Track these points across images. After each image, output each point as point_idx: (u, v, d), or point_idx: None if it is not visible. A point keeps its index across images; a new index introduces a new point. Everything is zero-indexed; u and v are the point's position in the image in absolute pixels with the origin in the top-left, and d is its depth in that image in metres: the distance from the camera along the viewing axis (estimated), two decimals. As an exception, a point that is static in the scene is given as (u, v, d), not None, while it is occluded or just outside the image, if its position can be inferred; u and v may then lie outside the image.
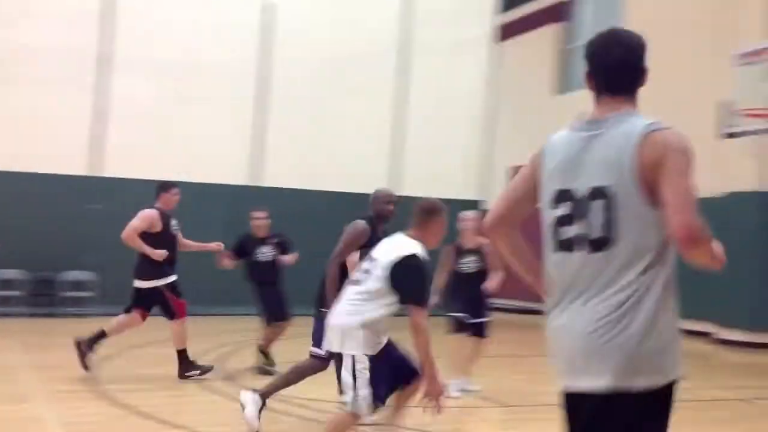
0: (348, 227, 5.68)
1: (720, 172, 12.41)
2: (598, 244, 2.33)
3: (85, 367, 7.43)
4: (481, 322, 7.32)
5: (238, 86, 14.90)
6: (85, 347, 7.45)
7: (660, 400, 2.31)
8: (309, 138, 15.13)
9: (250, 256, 8.46)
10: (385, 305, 4.35)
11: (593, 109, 2.54)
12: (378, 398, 4.36)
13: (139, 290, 7.67)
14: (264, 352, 8.18)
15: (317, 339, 5.49)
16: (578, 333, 2.34)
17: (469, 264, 7.37)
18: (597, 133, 2.43)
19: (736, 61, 10.37)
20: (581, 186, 2.38)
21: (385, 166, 15.37)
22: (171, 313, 7.66)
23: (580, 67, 12.41)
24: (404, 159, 15.44)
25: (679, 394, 2.34)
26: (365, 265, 4.51)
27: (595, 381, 2.31)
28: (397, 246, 4.44)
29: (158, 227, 7.63)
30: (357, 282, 4.47)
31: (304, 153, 15.04)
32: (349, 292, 4.48)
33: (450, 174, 15.61)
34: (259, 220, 8.54)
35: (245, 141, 15.15)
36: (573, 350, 2.36)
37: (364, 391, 4.29)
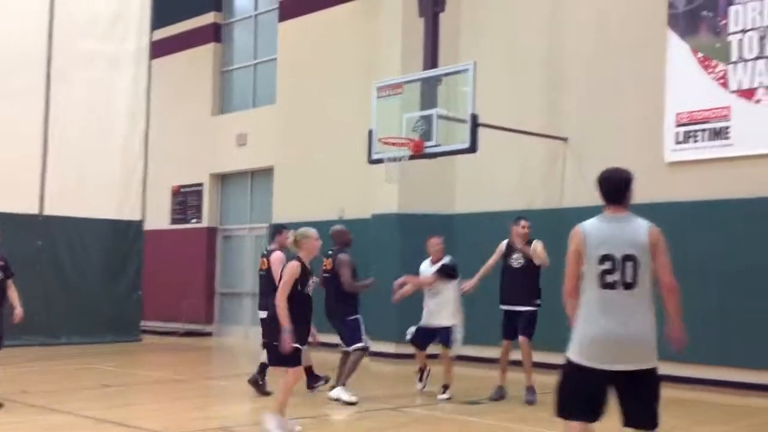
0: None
1: (368, 195, 13.43)
2: (629, 286, 4.19)
3: None
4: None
5: None
6: None
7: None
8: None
9: None
10: None
11: (609, 210, 4.37)
12: None
13: None
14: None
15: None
16: (630, 336, 4.17)
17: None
18: (622, 224, 4.30)
19: (378, 93, 11.32)
20: (618, 253, 4.20)
21: (36, 183, 14.17)
22: None
23: (238, 87, 12.58)
24: (55, 175, 14.35)
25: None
26: None
27: (647, 363, 4.20)
28: None
29: None
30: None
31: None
32: None
33: (106, 193, 14.88)
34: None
35: None
36: (625, 345, 4.16)
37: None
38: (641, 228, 4.28)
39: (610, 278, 4.19)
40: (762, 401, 9.00)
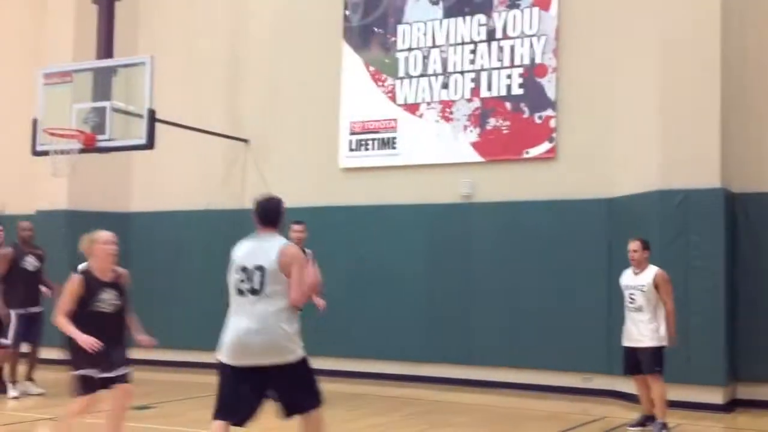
0: None
1: (32, 189, 12.38)
2: (256, 292, 4.65)
3: None
4: None
5: None
6: None
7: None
8: None
9: None
10: None
11: (259, 230, 4.87)
12: None
13: None
14: None
15: None
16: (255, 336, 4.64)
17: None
18: (263, 243, 4.80)
19: (44, 80, 10.52)
20: (250, 264, 4.69)
21: None
22: None
23: None
24: None
25: None
26: None
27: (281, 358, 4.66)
28: None
29: None
30: None
31: None
32: None
33: None
34: None
35: None
36: (252, 344, 4.64)
37: None
38: (275, 246, 4.75)
39: (242, 286, 4.71)
40: (417, 391, 9.87)
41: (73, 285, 5.51)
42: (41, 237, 9.87)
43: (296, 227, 8.40)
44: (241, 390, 4.59)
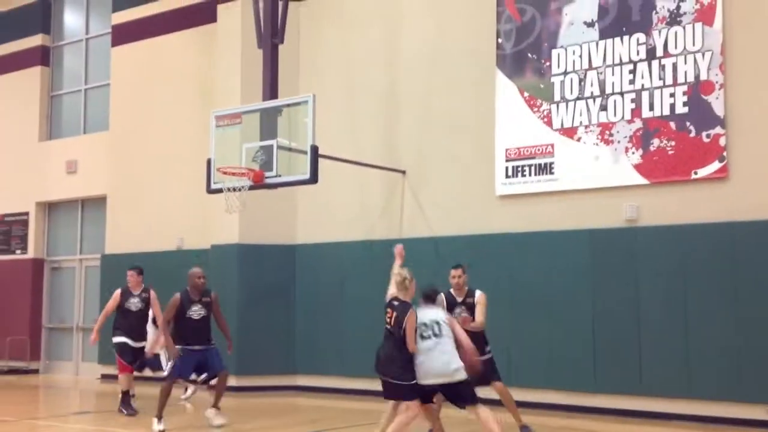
0: None
1: (208, 225, 13.18)
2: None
3: None
4: None
5: None
6: None
7: None
8: None
9: None
10: None
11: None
12: None
13: None
14: None
15: None
16: None
17: None
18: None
19: (216, 122, 11.19)
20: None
21: None
22: None
23: (68, 113, 12.10)
24: None
25: None
26: None
27: None
28: None
29: None
30: None
31: None
32: None
33: None
34: None
35: None
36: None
37: None
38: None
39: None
40: (585, 423, 9.57)
41: None
42: (216, 270, 10.45)
43: (453, 272, 8.16)
44: None
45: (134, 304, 10.20)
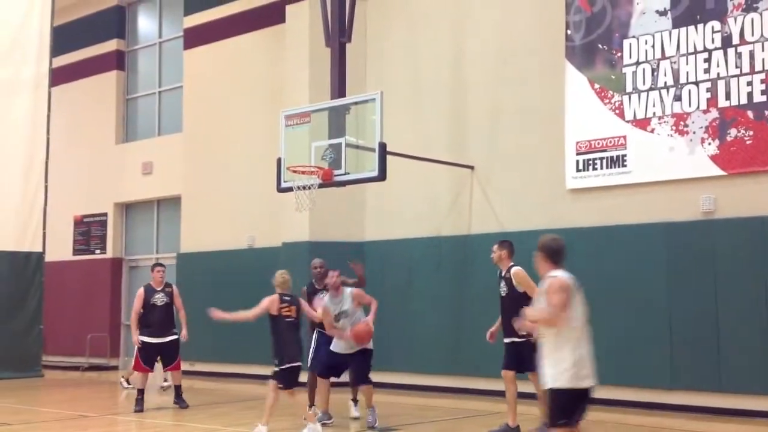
0: None
1: (278, 224, 13.36)
2: None
3: None
4: None
5: None
6: None
7: None
8: None
9: None
10: None
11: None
12: None
13: None
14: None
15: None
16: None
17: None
18: None
19: (286, 121, 11.32)
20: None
21: None
22: None
23: (143, 115, 12.38)
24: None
25: None
26: None
27: None
28: None
29: None
30: None
31: None
32: None
33: (4, 224, 14.31)
34: None
35: None
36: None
37: None
38: None
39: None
40: (663, 420, 9.37)
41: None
42: (287, 267, 10.52)
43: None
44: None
45: (159, 299, 10.61)
